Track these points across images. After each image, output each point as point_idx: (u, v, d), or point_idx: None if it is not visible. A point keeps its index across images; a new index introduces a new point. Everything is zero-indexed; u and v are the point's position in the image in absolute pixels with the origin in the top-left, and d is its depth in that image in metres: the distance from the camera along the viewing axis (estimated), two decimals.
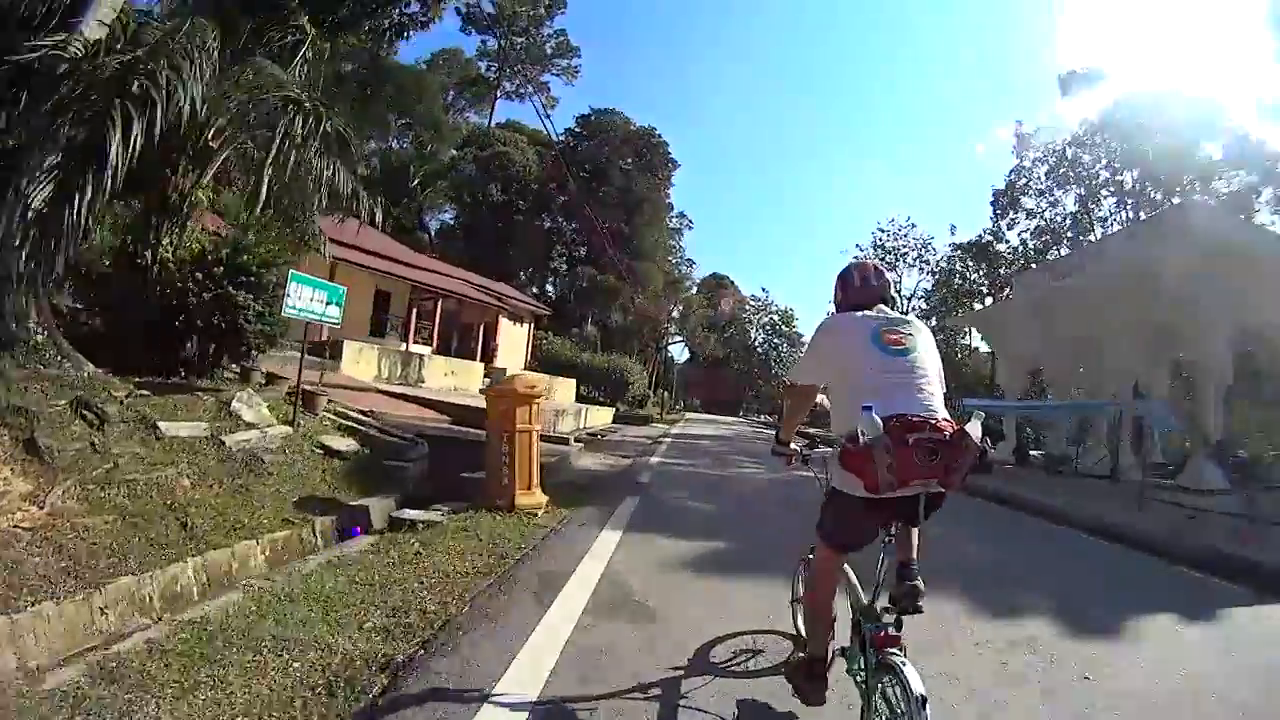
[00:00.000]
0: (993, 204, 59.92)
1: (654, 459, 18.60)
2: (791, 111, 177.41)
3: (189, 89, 9.70)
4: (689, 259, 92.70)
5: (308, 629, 4.65)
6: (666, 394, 71.84)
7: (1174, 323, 22.85)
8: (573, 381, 40.06)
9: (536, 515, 8.63)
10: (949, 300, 64.54)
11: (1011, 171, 59.09)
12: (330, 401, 12.87)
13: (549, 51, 76.60)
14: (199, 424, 9.29)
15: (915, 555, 3.67)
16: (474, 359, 34.25)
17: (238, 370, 12.86)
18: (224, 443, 9.07)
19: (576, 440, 18.12)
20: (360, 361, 23.21)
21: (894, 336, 3.46)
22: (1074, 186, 55.87)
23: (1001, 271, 59.46)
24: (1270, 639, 6.96)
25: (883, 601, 3.49)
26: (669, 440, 28.21)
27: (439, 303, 33.95)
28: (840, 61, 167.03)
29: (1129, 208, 52.41)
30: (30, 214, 8.57)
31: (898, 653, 3.13)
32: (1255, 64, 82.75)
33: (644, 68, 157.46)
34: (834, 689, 3.77)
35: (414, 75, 62.96)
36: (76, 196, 8.69)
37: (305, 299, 11.16)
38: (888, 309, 3.73)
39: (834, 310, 4.04)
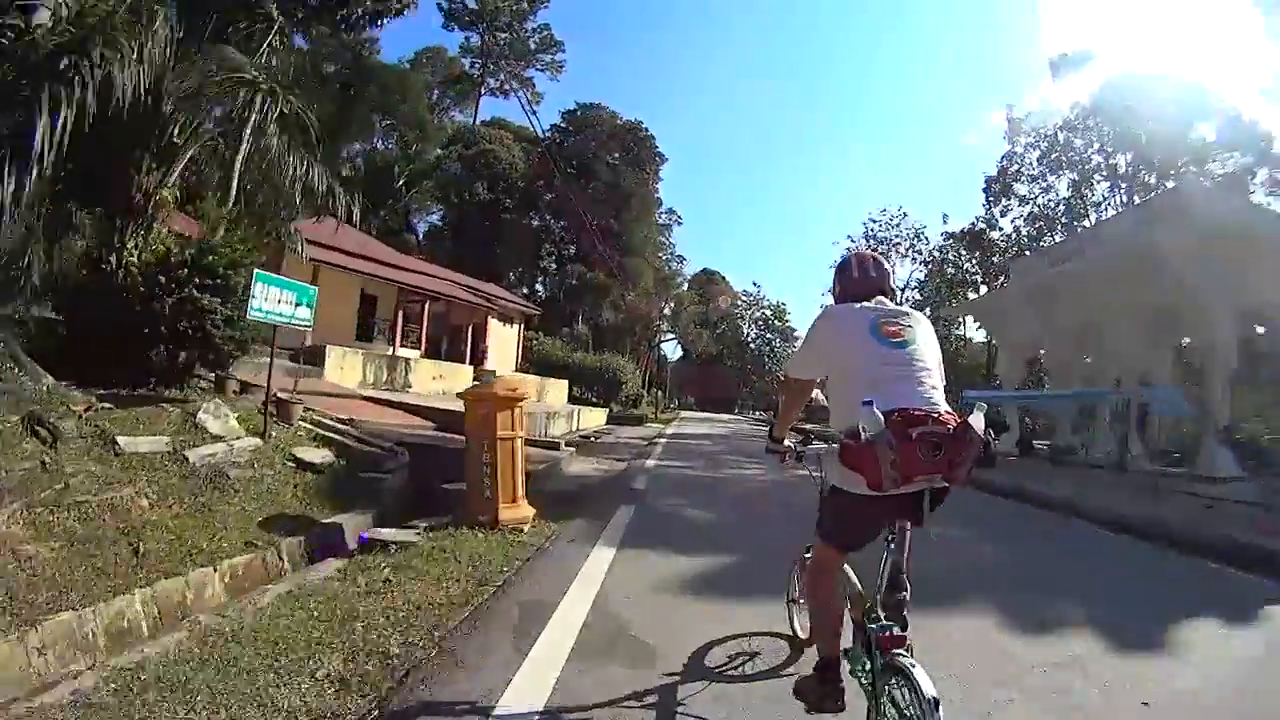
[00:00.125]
0: (985, 191, 59.71)
1: (649, 462, 17.87)
2: (778, 104, 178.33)
3: (129, 69, 9.11)
4: (679, 255, 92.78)
5: (251, 679, 4.00)
6: (660, 393, 71.48)
7: (1178, 306, 22.61)
8: (565, 383, 39.79)
9: (522, 531, 7.91)
10: (942, 290, 64.33)
11: (1003, 157, 58.86)
12: (308, 410, 12.28)
13: (533, 46, 76.51)
14: (161, 438, 8.72)
15: (906, 561, 3.45)
16: (463, 362, 33.67)
17: (212, 379, 12.34)
18: (187, 458, 8.52)
19: (568, 444, 17.42)
20: (344, 367, 22.56)
21: (893, 328, 3.39)
22: (1067, 171, 55.60)
23: (995, 260, 59.06)
24: None
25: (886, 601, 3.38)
26: (664, 441, 27.52)
27: (426, 305, 33.30)
28: (826, 51, 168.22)
29: (1123, 191, 52.16)
30: None
31: (905, 654, 3.06)
32: (1246, 44, 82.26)
33: (628, 62, 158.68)
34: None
35: (397, 74, 62.85)
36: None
37: (272, 300, 10.47)
38: (887, 301, 3.68)
39: (832, 302, 3.96)
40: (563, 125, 71.19)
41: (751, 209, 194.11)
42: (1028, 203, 57.85)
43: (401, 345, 31.01)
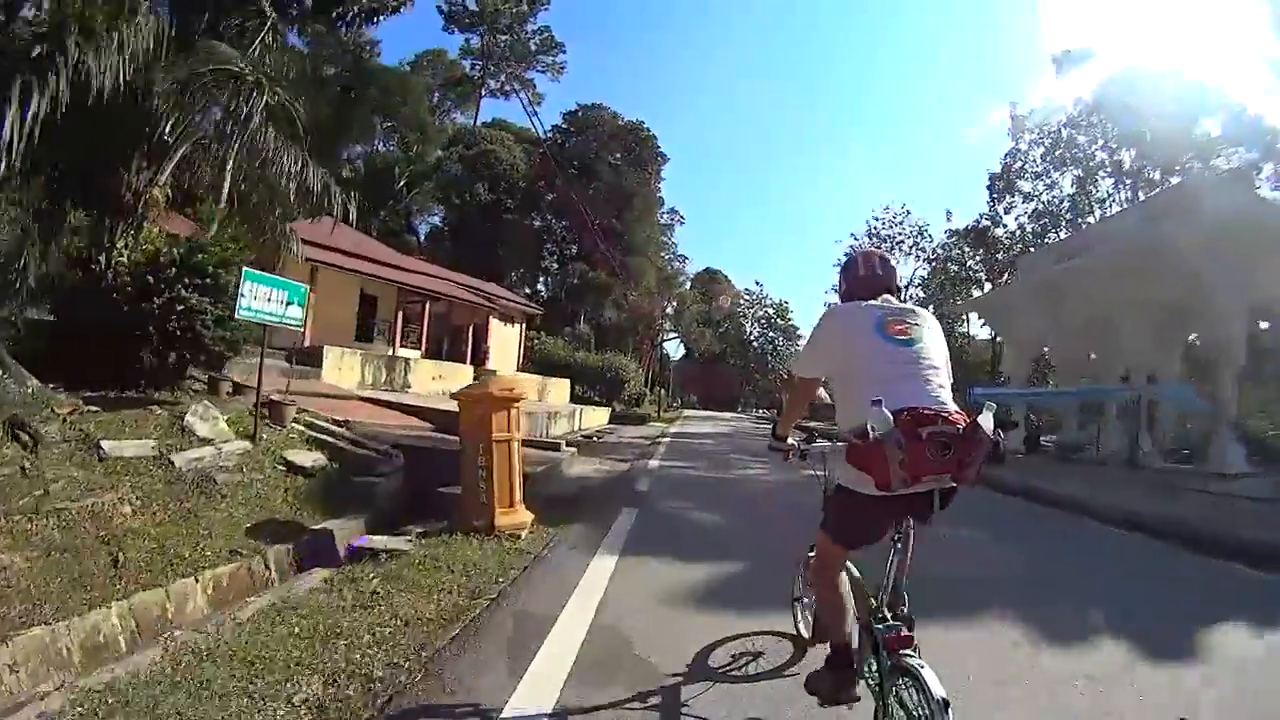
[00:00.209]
0: (989, 188, 59.17)
1: (653, 462, 17.58)
2: (778, 103, 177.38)
3: (106, 59, 8.86)
4: (682, 255, 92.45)
5: (224, 704, 3.71)
6: (663, 392, 71.04)
7: (1186, 301, 22.26)
8: (567, 382, 39.52)
9: (519, 538, 7.55)
10: (946, 287, 63.87)
11: (1007, 154, 58.42)
12: (302, 411, 12.05)
13: (533, 48, 76.21)
14: (147, 442, 8.50)
15: (906, 574, 3.38)
16: (464, 362, 33.40)
17: (205, 381, 12.14)
18: (173, 462, 8.29)
19: (569, 445, 17.04)
20: (342, 368, 22.30)
21: (899, 326, 3.35)
22: (1071, 168, 55.24)
23: (999, 257, 58.80)
24: None
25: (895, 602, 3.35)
26: (668, 441, 27.14)
27: (427, 305, 33.05)
28: (825, 50, 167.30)
29: (1128, 187, 51.79)
30: None
31: (913, 654, 3.02)
32: (1251, 38, 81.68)
33: (629, 63, 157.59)
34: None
35: (398, 77, 63.15)
36: None
37: (262, 299, 10.31)
38: (893, 299, 3.64)
39: (837, 301, 3.95)
40: (564, 126, 70.81)
41: (753, 208, 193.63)
42: (1032, 199, 57.43)
43: (402, 346, 30.80)
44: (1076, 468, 22.78)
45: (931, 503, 3.08)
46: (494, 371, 30.67)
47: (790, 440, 4.03)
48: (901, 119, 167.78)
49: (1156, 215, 24.77)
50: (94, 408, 9.04)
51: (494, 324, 38.44)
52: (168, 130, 11.27)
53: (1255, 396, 25.74)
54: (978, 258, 62.59)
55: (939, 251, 66.35)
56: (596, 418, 34.24)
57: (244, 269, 10.04)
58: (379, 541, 7.15)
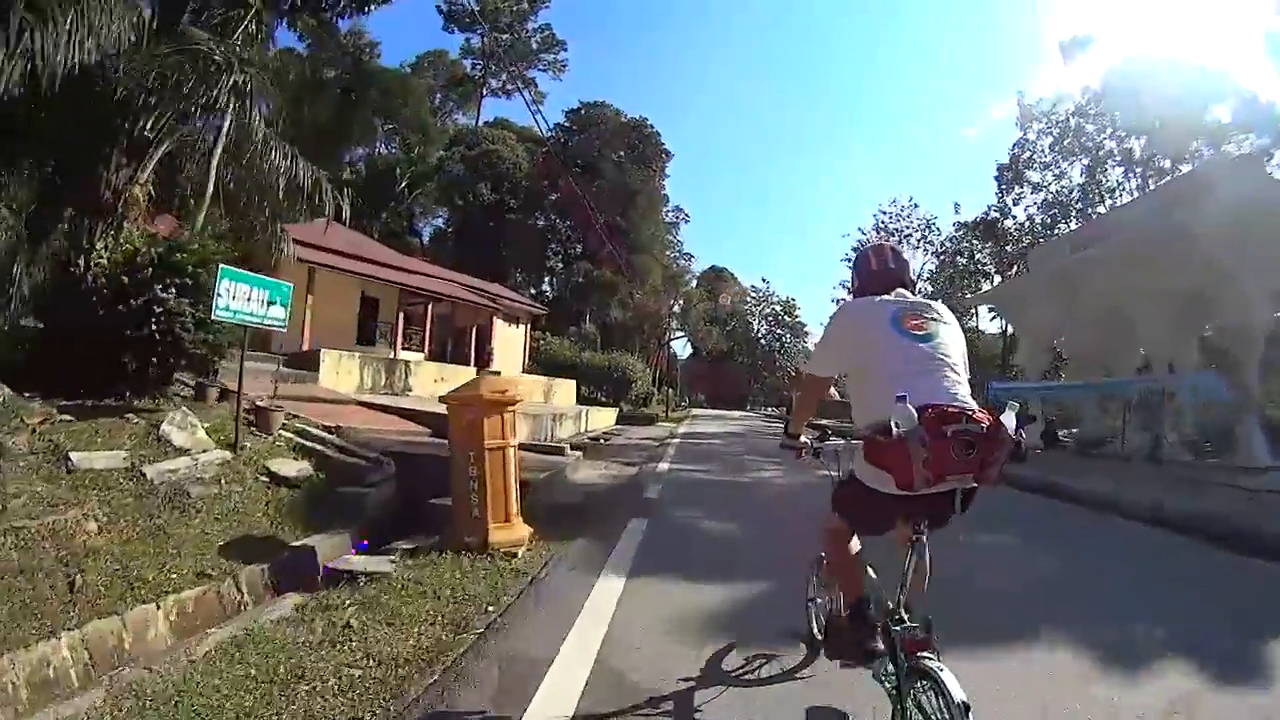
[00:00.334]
0: (997, 179, 59.05)
1: (662, 465, 16.77)
2: (780, 101, 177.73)
3: (59, 30, 8.34)
4: (687, 253, 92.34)
5: None
6: (671, 391, 70.60)
7: (1206, 289, 21.68)
8: (572, 383, 38.93)
9: (515, 556, 6.83)
10: (955, 280, 63.61)
11: (1015, 145, 58.17)
12: (292, 418, 11.46)
13: (534, 46, 76.27)
14: (119, 453, 7.89)
15: (926, 580, 3.33)
16: (468, 364, 32.72)
17: (193, 386, 11.45)
18: (144, 474, 7.66)
19: (574, 448, 16.31)
20: (340, 372, 21.69)
21: (915, 321, 3.29)
22: (1080, 157, 54.90)
23: (1008, 249, 58.46)
24: None
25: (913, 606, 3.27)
26: (677, 442, 26.30)
27: (429, 306, 32.56)
28: (826, 47, 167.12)
29: (1138, 176, 51.43)
30: None
31: (931, 657, 2.93)
32: (1259, 22, 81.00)
33: (630, 62, 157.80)
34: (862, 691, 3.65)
35: (399, 78, 63.52)
36: None
37: (241, 298, 9.59)
38: (908, 293, 3.58)
39: (849, 296, 3.97)
40: (567, 124, 70.61)
41: (757, 207, 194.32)
42: (1041, 190, 57.13)
43: (404, 348, 30.46)
44: (1098, 463, 22.24)
45: (951, 503, 3.00)
46: (498, 373, 29.86)
47: (803, 438, 3.95)
48: (903, 114, 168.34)
49: (1173, 202, 24.23)
50: (68, 417, 8.49)
51: (498, 325, 38.00)
52: (148, 126, 10.75)
53: (1273, 386, 25.13)
54: (986, 250, 62.33)
55: (947, 245, 66.16)
56: (603, 419, 33.66)
57: (221, 267, 9.34)
58: (358, 562, 6.49)
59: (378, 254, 32.64)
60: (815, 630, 4.63)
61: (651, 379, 57.32)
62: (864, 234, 68.80)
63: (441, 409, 8.14)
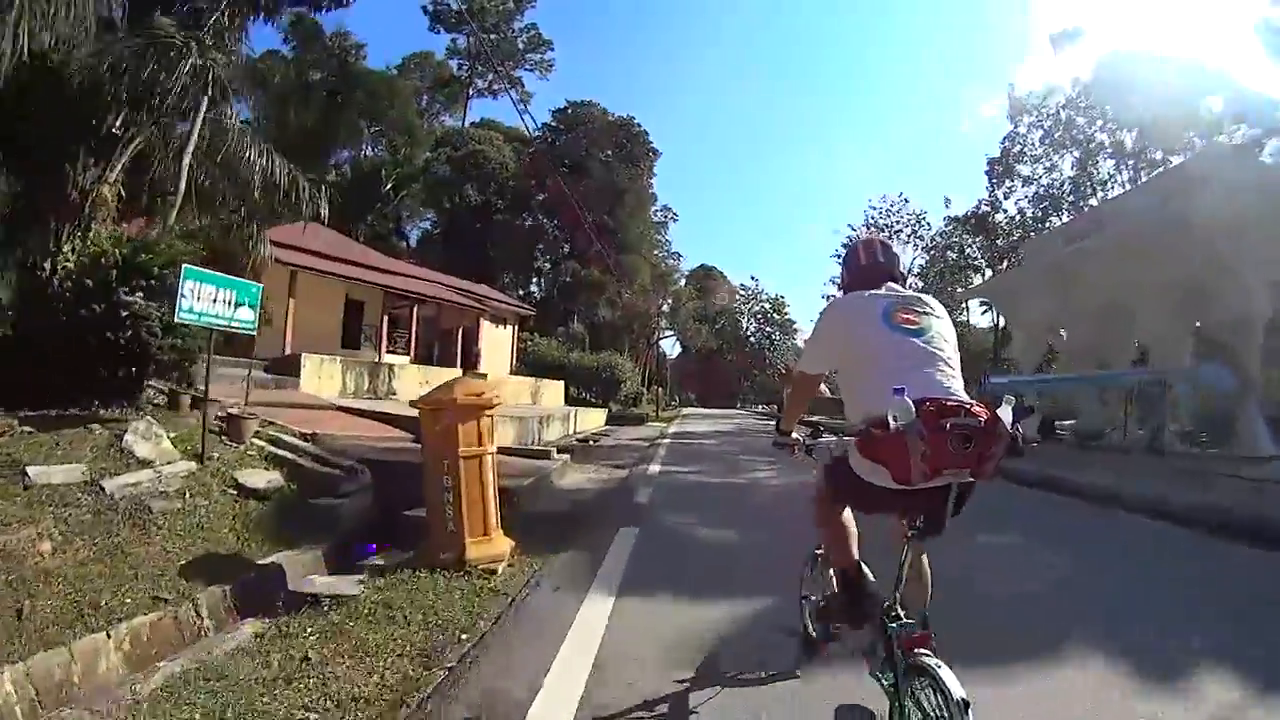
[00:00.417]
0: (988, 173, 58.86)
1: (653, 468, 16.21)
2: (768, 100, 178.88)
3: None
4: (676, 252, 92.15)
5: None
6: (661, 390, 70.24)
7: (1204, 279, 21.32)
8: (561, 384, 38.67)
9: (495, 573, 6.28)
10: (945, 275, 63.57)
11: (1005, 138, 58.10)
12: (267, 425, 10.95)
13: (521, 46, 75.85)
14: (78, 466, 7.41)
15: (929, 598, 3.40)
16: (454, 366, 32.25)
17: (165, 393, 10.98)
18: (104, 489, 7.16)
19: (561, 451, 15.71)
20: (321, 376, 21.17)
21: (907, 315, 3.29)
22: (1070, 149, 54.91)
23: (999, 242, 58.57)
24: None
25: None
26: (668, 442, 25.76)
27: (415, 309, 32.10)
28: (816, 44, 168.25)
29: (1130, 168, 51.31)
30: None
31: (929, 654, 2.87)
32: (1250, 11, 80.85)
33: (617, 62, 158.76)
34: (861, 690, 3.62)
35: (385, 80, 63.46)
36: None
37: (206, 300, 9.02)
38: (898, 287, 3.60)
39: (841, 293, 3.93)
40: (554, 124, 70.41)
41: (745, 205, 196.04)
42: (1031, 183, 57.11)
43: (389, 351, 30.09)
44: (1097, 455, 21.87)
45: (945, 499, 2.96)
46: (484, 375, 29.90)
47: (795, 435, 4.13)
48: (893, 111, 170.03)
49: (1170, 192, 23.85)
50: (29, 428, 8.08)
51: (485, 326, 37.59)
52: (117, 123, 10.49)
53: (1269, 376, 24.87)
54: (977, 244, 62.37)
55: (938, 240, 66.10)
56: (592, 420, 33.30)
57: (185, 266, 8.79)
58: (323, 584, 5.97)
59: (362, 256, 32.22)
60: (809, 626, 4.57)
61: (641, 378, 57.26)
62: (854, 230, 68.81)
63: None
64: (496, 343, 39.08)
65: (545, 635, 4.89)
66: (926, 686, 2.81)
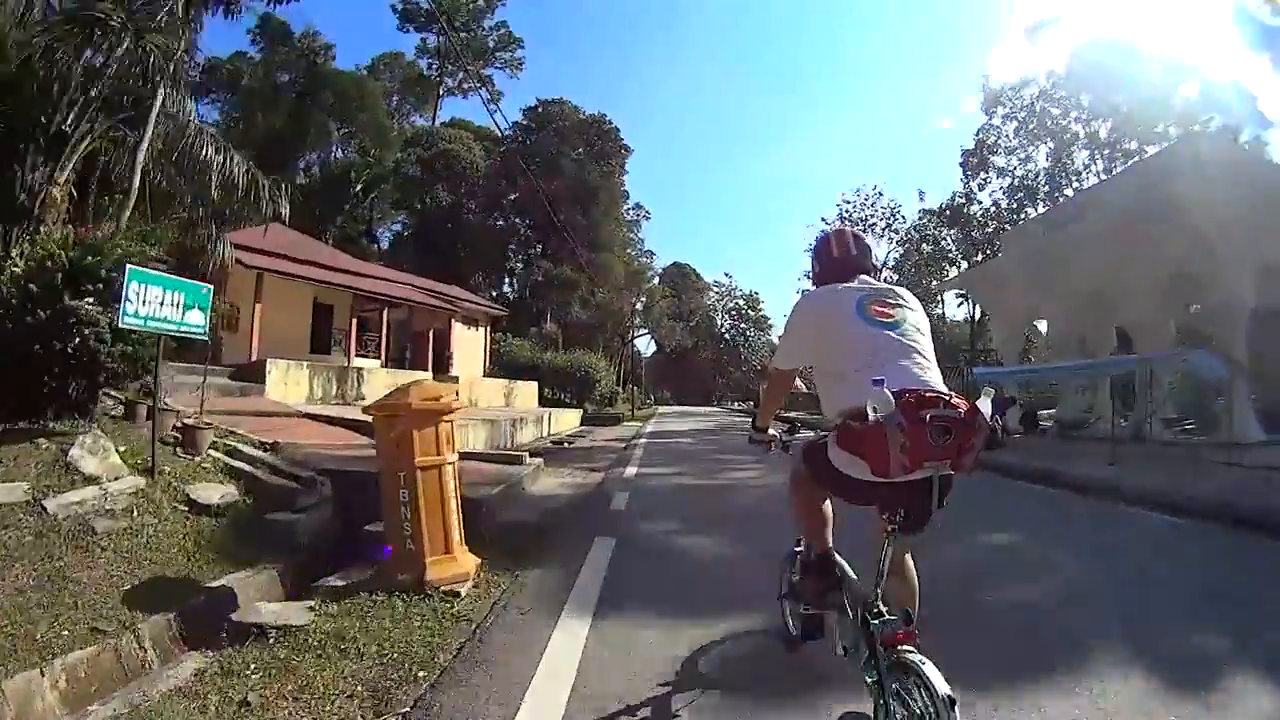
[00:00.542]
0: (962, 165, 59.47)
1: (630, 470, 15.55)
2: (739, 99, 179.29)
3: None
4: (649, 250, 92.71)
5: None
6: (636, 389, 70.13)
7: (1192, 264, 21.37)
8: (534, 385, 38.39)
9: (458, 596, 5.71)
10: (922, 267, 63.57)
11: (980, 129, 58.49)
12: (228, 434, 10.47)
13: (491, 44, 75.98)
14: (19, 485, 6.89)
15: (917, 602, 3.33)
16: (426, 369, 31.71)
17: (122, 403, 10.42)
18: (45, 508, 6.65)
19: (534, 455, 15.10)
20: (288, 382, 20.63)
21: (881, 308, 3.28)
22: (1045, 140, 55.29)
23: (974, 235, 58.78)
24: None
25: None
26: (644, 441, 25.25)
27: (385, 311, 31.53)
28: (791, 38, 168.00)
29: (1104, 158, 51.76)
30: None
31: (913, 650, 2.83)
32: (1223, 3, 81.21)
33: (588, 61, 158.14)
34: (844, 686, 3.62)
35: (354, 80, 63.12)
36: None
37: (153, 303, 8.45)
38: (871, 279, 3.56)
39: (811, 286, 3.90)
40: (525, 122, 70.64)
41: (718, 203, 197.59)
42: (1006, 175, 57.41)
43: (359, 355, 29.55)
44: (1083, 445, 21.53)
45: (928, 493, 2.90)
46: (456, 378, 29.51)
47: (771, 431, 4.09)
48: (866, 108, 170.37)
49: (1152, 178, 23.58)
50: None
51: (457, 328, 37.12)
52: (68, 119, 10.19)
53: (1265, 362, 24.72)
54: (951, 236, 62.69)
55: (912, 233, 66.24)
56: (567, 421, 32.97)
57: (128, 267, 8.25)
58: (270, 613, 5.37)
59: (331, 259, 31.79)
60: (790, 626, 4.58)
61: (616, 378, 57.18)
62: (828, 224, 67.85)
63: None
64: (469, 344, 38.64)
65: (513, 669, 4.38)
66: (911, 683, 2.77)
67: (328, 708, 3.88)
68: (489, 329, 42.54)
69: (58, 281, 8.78)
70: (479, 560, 6.43)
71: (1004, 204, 56.84)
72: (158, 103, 10.65)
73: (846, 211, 69.06)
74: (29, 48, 9.25)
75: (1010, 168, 56.97)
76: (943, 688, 2.53)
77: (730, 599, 5.88)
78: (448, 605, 5.54)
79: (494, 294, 63.29)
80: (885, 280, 3.91)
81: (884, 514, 3.09)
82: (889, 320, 3.21)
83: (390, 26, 75.49)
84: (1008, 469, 14.44)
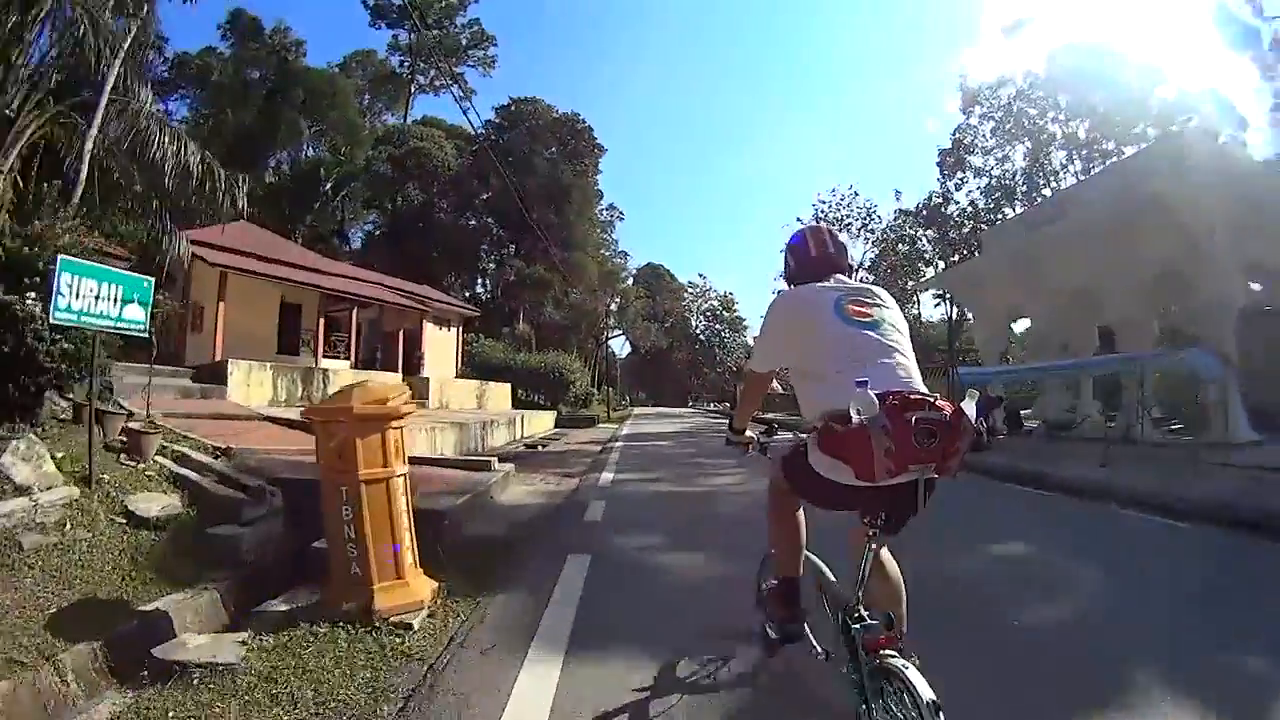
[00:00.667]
0: (939, 164, 59.33)
1: (605, 475, 14.77)
2: (712, 97, 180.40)
3: None
4: (623, 251, 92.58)
5: None
6: (612, 390, 69.93)
7: (1179, 262, 21.09)
8: (507, 386, 37.97)
9: (410, 629, 4.99)
10: (899, 268, 63.45)
11: (957, 128, 58.53)
12: (180, 439, 9.88)
13: (464, 42, 75.49)
14: None
15: (904, 604, 3.29)
16: (396, 370, 31.42)
17: (72, 406, 9.71)
18: None
19: (505, 460, 14.35)
20: (251, 384, 20.11)
21: (858, 308, 3.24)
22: (1022, 140, 55.31)
23: (951, 235, 58.74)
24: None
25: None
26: (620, 445, 24.57)
27: (354, 311, 30.93)
28: (761, 35, 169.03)
29: (1082, 159, 51.93)
30: None
31: (896, 655, 2.79)
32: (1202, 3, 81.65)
33: (561, 60, 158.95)
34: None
35: (326, 78, 62.90)
36: None
37: (88, 297, 7.74)
38: (846, 279, 3.53)
39: (786, 285, 3.91)
40: (497, 121, 70.04)
41: (692, 204, 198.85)
42: (983, 175, 57.43)
43: (327, 355, 28.93)
44: (1070, 446, 21.42)
45: (912, 496, 2.81)
46: (427, 379, 29.05)
47: (749, 433, 4.11)
48: (843, 107, 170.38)
49: (1137, 175, 23.41)
50: None
51: (428, 328, 36.49)
52: (13, 105, 9.87)
53: (1252, 360, 24.51)
54: (928, 236, 62.65)
55: (889, 233, 66.18)
56: (541, 423, 32.56)
57: (60, 258, 7.53)
58: (196, 648, 4.66)
59: (300, 257, 31.26)
60: (770, 629, 4.40)
61: (591, 379, 56.92)
62: (803, 224, 67.95)
63: None
64: (440, 345, 38.14)
65: None
66: (895, 689, 2.73)
67: None
68: (461, 329, 42.07)
69: None
70: (435, 584, 5.71)
71: (981, 204, 56.91)
72: (107, 86, 10.11)
73: (822, 211, 68.95)
74: None
75: (987, 167, 57.04)
76: (927, 693, 2.50)
77: (718, 625, 5.20)
78: (398, 640, 4.86)
79: (466, 294, 63.01)
80: (861, 281, 3.68)
81: (865, 517, 3.07)
82: (867, 320, 3.17)
83: (361, 23, 74.77)
84: (998, 471, 14.27)
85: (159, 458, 8.88)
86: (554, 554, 7.38)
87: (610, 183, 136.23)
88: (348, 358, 30.42)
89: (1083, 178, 46.08)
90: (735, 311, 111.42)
